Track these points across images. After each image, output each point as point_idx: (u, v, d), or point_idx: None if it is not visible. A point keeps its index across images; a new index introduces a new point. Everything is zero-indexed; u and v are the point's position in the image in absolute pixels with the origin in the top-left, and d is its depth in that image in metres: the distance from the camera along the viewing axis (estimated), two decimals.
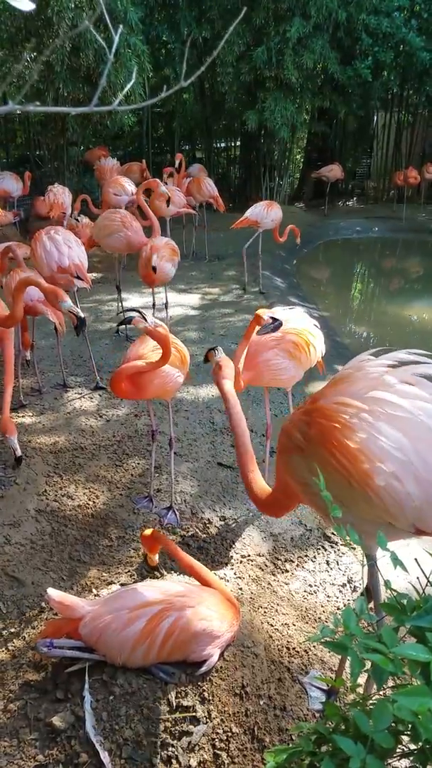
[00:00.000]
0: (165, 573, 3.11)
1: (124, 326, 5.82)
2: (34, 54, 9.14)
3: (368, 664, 1.10)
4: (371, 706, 1.08)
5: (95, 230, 6.35)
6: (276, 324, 3.22)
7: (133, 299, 8.07)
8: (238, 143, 17.78)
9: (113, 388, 3.16)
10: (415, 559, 1.27)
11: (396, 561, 1.16)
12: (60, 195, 8.03)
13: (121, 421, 4.72)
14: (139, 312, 2.96)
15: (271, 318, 3.22)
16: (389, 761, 1.12)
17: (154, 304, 6.77)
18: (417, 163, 15.00)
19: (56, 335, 5.11)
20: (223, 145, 18.45)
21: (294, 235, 8.03)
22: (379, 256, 13.79)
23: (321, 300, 8.88)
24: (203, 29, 12.38)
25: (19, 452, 3.79)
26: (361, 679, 2.10)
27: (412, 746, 1.14)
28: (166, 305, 6.68)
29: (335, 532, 1.32)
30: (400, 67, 13.84)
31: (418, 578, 1.28)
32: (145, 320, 2.95)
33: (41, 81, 9.32)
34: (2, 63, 9.47)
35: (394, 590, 1.16)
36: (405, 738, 1.15)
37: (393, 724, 1.08)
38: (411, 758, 1.13)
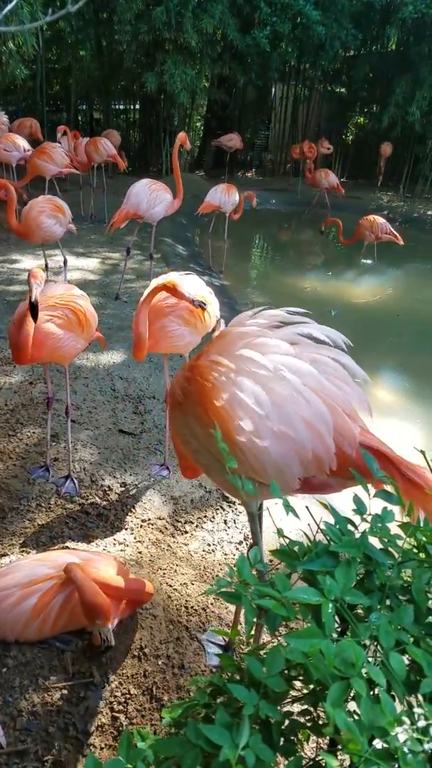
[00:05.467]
0: (68, 545, 3.04)
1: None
2: None
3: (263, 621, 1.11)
4: (265, 655, 1.10)
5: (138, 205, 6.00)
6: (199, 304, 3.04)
7: (26, 261, 7.70)
8: (138, 106, 17.32)
9: (18, 357, 3.04)
10: (306, 507, 1.29)
11: (288, 507, 1.18)
12: None
13: (14, 389, 4.51)
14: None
15: (199, 303, 3.01)
16: (282, 707, 1.14)
17: (47, 266, 6.51)
18: (312, 138, 15.24)
19: None
20: (122, 107, 17.90)
21: (249, 200, 8.21)
22: (277, 228, 14.00)
23: (221, 268, 8.91)
24: None
25: None
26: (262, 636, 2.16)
27: (305, 691, 1.18)
28: (64, 263, 6.45)
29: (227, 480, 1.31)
30: (298, 40, 13.91)
31: (309, 525, 1.31)
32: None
33: None
34: None
35: (287, 537, 1.17)
36: (298, 684, 1.19)
37: (286, 671, 1.11)
38: (302, 701, 1.16)
